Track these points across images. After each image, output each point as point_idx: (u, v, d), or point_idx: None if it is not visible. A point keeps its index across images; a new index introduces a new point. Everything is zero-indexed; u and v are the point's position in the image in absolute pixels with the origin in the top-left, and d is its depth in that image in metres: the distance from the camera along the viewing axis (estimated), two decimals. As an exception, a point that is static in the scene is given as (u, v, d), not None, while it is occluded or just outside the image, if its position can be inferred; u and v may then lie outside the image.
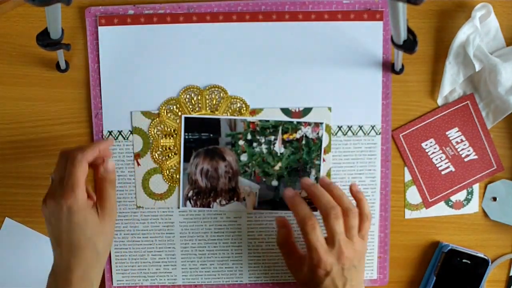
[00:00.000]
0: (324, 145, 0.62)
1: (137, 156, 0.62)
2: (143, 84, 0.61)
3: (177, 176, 0.62)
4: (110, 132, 0.62)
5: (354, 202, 0.57)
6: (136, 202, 0.63)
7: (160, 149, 0.62)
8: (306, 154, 0.62)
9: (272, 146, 0.62)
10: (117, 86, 0.61)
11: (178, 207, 0.63)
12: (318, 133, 0.61)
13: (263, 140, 0.62)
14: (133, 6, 0.60)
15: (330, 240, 0.54)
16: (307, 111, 0.61)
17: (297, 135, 0.62)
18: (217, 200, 0.62)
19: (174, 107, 0.61)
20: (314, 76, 0.61)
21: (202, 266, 0.64)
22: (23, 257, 0.64)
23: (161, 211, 0.63)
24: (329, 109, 0.61)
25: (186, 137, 0.61)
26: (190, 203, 0.62)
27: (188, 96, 0.61)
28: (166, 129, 0.61)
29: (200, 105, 0.60)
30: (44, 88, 0.62)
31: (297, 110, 0.61)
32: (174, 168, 0.62)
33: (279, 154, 0.62)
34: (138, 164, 0.62)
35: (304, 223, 0.55)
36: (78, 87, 0.62)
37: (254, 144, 0.62)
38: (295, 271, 0.58)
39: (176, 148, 0.62)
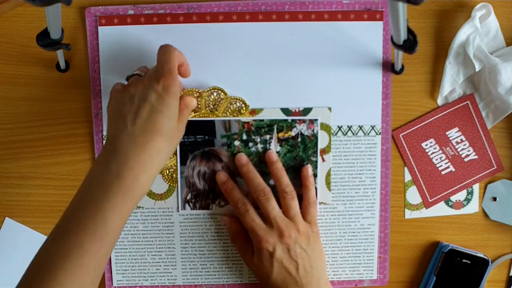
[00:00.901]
0: (324, 145, 0.62)
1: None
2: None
3: (176, 176, 0.62)
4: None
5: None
6: (136, 202, 0.63)
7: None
8: (302, 151, 0.62)
9: (268, 145, 0.62)
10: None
11: (178, 211, 0.63)
12: (313, 130, 0.61)
13: (258, 140, 0.62)
14: (133, 6, 0.60)
15: (268, 221, 0.56)
16: (307, 111, 0.61)
17: (292, 133, 0.62)
18: (216, 202, 0.62)
19: None
20: (314, 76, 0.61)
21: (202, 266, 0.64)
22: (23, 257, 0.64)
23: (161, 211, 0.63)
24: (329, 109, 0.61)
25: (182, 140, 0.61)
26: (189, 206, 0.62)
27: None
28: None
29: (199, 106, 0.60)
30: (44, 88, 0.62)
31: (297, 110, 0.61)
32: (173, 168, 0.62)
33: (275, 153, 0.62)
34: None
35: (237, 208, 0.55)
36: (78, 87, 0.62)
37: (250, 144, 0.62)
38: (252, 266, 0.58)
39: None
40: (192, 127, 0.61)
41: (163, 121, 0.49)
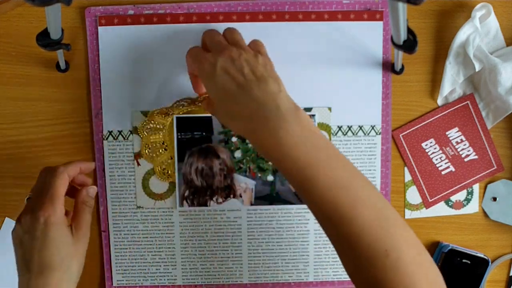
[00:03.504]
0: (324, 145, 0.62)
1: (137, 156, 0.62)
2: (143, 84, 0.61)
3: (169, 171, 0.62)
4: (110, 132, 0.62)
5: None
6: (136, 202, 0.63)
7: (150, 146, 0.61)
8: None
9: None
10: (117, 86, 0.61)
11: (176, 207, 0.63)
12: None
13: None
14: (133, 6, 0.60)
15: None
16: (307, 111, 0.61)
17: None
18: (214, 198, 0.62)
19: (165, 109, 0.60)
20: (314, 76, 0.61)
21: (202, 266, 0.64)
22: (23, 257, 0.63)
23: (161, 211, 0.63)
24: (329, 109, 0.61)
25: (179, 137, 0.61)
26: (187, 202, 0.62)
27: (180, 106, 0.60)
28: (155, 125, 0.61)
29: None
30: (44, 88, 0.62)
31: (297, 110, 0.61)
32: (165, 163, 0.62)
33: None
34: (138, 164, 0.62)
35: (190, 55, 0.55)
36: (78, 87, 0.62)
37: (247, 140, 0.62)
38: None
39: (165, 144, 0.62)
40: (190, 124, 0.61)
41: (53, 255, 0.50)
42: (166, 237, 0.63)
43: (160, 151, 0.62)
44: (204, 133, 0.62)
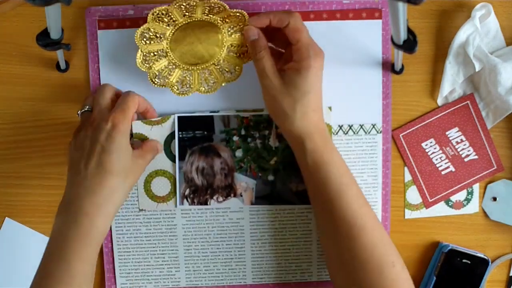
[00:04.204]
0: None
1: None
2: (143, 86, 0.61)
3: (167, 76, 0.58)
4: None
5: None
6: (139, 205, 0.63)
7: (146, 54, 0.57)
8: None
9: (266, 141, 0.62)
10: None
11: (176, 206, 0.62)
12: None
13: (257, 135, 0.62)
14: (133, 6, 0.60)
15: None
16: (307, 111, 0.61)
17: None
18: (214, 197, 0.62)
19: (164, 13, 0.56)
20: (314, 76, 0.61)
21: (205, 268, 0.64)
22: (23, 257, 0.63)
23: (164, 214, 0.63)
24: (330, 108, 0.61)
25: (180, 136, 0.61)
26: (187, 201, 0.62)
27: (182, 5, 0.55)
28: (153, 33, 0.56)
29: (194, 12, 0.56)
30: (44, 88, 0.62)
31: (297, 110, 0.61)
32: (162, 69, 0.58)
33: (274, 149, 0.62)
34: None
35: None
36: (78, 87, 0.62)
37: (249, 139, 0.62)
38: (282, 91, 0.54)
39: (163, 52, 0.57)
40: (191, 123, 0.61)
41: (113, 161, 0.51)
42: (169, 240, 0.63)
43: (158, 59, 0.57)
44: (205, 132, 0.62)
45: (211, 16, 0.56)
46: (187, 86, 0.58)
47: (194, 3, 0.55)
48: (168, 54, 0.57)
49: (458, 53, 0.60)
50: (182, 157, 0.62)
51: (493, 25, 0.61)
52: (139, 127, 0.61)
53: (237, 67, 0.58)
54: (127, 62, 0.60)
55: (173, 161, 0.62)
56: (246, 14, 0.55)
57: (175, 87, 0.58)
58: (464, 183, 0.64)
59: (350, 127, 0.62)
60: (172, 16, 0.56)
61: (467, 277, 0.63)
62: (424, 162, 0.63)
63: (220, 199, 0.62)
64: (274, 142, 0.62)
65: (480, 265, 0.63)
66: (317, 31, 0.60)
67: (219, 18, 0.56)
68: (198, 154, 0.62)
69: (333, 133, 0.62)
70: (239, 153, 0.62)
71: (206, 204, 0.62)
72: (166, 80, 0.58)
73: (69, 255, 0.49)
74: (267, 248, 0.64)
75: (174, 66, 0.58)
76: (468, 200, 0.64)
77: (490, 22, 0.61)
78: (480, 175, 0.64)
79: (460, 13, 0.61)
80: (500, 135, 0.63)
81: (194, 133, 0.61)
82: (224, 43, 0.57)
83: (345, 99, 0.62)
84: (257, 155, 0.62)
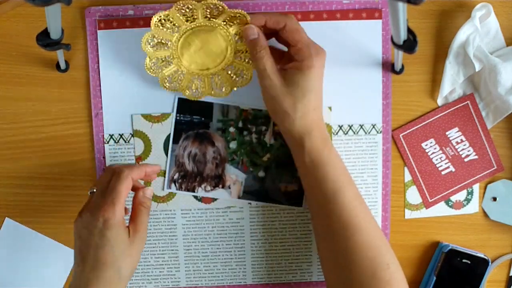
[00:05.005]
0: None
1: (139, 159, 0.62)
2: (143, 86, 0.61)
3: (178, 80, 0.58)
4: (111, 136, 0.62)
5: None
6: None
7: (154, 60, 0.58)
8: None
9: (262, 136, 0.62)
10: (117, 89, 0.61)
11: (163, 189, 0.62)
12: None
13: (254, 129, 0.62)
14: (133, 6, 0.60)
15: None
16: (307, 111, 0.61)
17: None
18: (202, 186, 0.62)
19: (166, 19, 0.56)
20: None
21: (205, 268, 0.64)
22: (23, 257, 0.64)
23: (164, 214, 0.63)
24: (330, 108, 0.61)
25: (178, 118, 0.61)
26: (175, 185, 0.62)
27: (182, 9, 0.56)
28: (158, 39, 0.57)
29: (195, 15, 0.56)
30: (44, 88, 0.62)
31: (297, 110, 0.61)
32: (173, 74, 0.59)
33: (268, 145, 0.62)
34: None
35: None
36: (78, 87, 0.62)
37: (245, 133, 0.62)
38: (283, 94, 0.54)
39: (172, 58, 0.58)
40: (190, 107, 0.61)
41: (107, 254, 0.52)
42: (169, 240, 0.63)
43: (166, 66, 0.58)
44: (203, 118, 0.61)
45: (213, 20, 0.56)
46: (198, 90, 0.59)
47: (193, 6, 0.55)
48: (177, 60, 0.57)
49: (458, 53, 0.60)
50: (176, 140, 0.62)
51: (493, 25, 0.61)
52: (139, 123, 0.61)
53: (246, 72, 0.58)
54: (127, 62, 0.61)
55: (173, 161, 0.62)
56: (246, 14, 0.55)
57: (187, 91, 0.59)
58: (464, 183, 0.64)
59: (350, 127, 0.62)
60: (174, 22, 0.56)
61: (467, 277, 0.63)
62: (424, 162, 0.63)
63: (208, 188, 0.62)
64: (270, 139, 0.62)
65: (480, 265, 0.63)
66: (317, 31, 0.60)
67: (222, 22, 0.56)
68: (193, 139, 0.62)
69: (333, 133, 0.62)
70: (233, 145, 0.62)
71: (193, 191, 0.62)
72: (177, 85, 0.59)
73: None
74: (267, 248, 0.64)
75: (183, 72, 0.58)
76: (468, 200, 0.64)
77: (490, 22, 0.61)
78: (480, 175, 0.64)
79: (460, 13, 0.61)
80: (500, 135, 0.63)
81: (192, 118, 0.61)
82: (231, 48, 0.57)
83: (345, 99, 0.62)
84: (251, 150, 0.62)
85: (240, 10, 0.55)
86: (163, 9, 0.60)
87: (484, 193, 0.64)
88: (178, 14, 0.56)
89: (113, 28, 0.60)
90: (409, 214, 0.64)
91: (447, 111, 0.63)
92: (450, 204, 0.64)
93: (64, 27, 0.54)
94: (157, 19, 0.56)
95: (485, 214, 0.64)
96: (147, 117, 0.61)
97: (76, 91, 0.62)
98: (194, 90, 0.59)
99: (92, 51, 0.61)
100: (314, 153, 0.54)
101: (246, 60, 0.58)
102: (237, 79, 0.59)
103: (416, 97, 0.63)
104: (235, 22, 0.56)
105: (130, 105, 0.61)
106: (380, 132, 0.62)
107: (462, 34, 0.59)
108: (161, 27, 0.56)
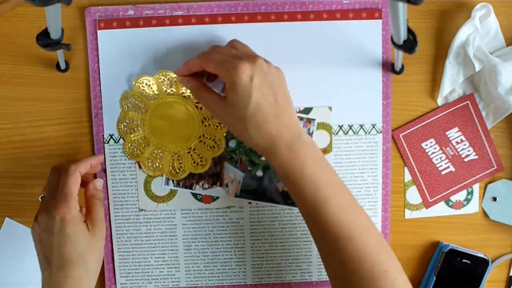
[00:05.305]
0: (325, 145, 0.62)
1: (138, 157, 0.62)
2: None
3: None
4: (111, 136, 0.62)
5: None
6: (139, 205, 0.63)
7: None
8: None
9: None
10: (117, 89, 0.61)
11: (161, 186, 0.62)
12: (309, 129, 0.61)
13: None
14: (133, 6, 0.60)
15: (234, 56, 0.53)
16: (307, 110, 0.61)
17: None
18: (200, 183, 0.62)
19: (133, 99, 0.60)
20: (314, 75, 0.61)
21: (205, 268, 0.64)
22: (23, 257, 0.63)
23: (164, 214, 0.63)
24: (330, 108, 0.61)
25: None
26: (173, 182, 0.62)
27: (140, 86, 0.60)
28: (129, 122, 0.61)
29: (156, 92, 0.60)
30: (44, 88, 0.62)
31: (297, 110, 0.61)
32: (136, 143, 0.61)
33: None
34: (140, 167, 0.62)
35: (204, 55, 0.54)
36: (78, 87, 0.62)
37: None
38: (224, 110, 0.53)
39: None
40: None
41: (71, 251, 0.52)
42: (169, 239, 0.63)
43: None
44: None
45: (173, 90, 0.59)
46: (180, 169, 0.61)
47: (151, 81, 0.59)
48: (151, 142, 0.60)
49: (458, 53, 0.60)
50: None
51: (493, 25, 0.61)
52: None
53: (219, 139, 0.60)
54: (127, 62, 0.61)
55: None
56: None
57: (169, 172, 0.62)
58: (464, 183, 0.64)
59: (350, 127, 0.62)
60: (138, 100, 0.60)
61: (467, 277, 0.63)
62: (424, 162, 0.63)
63: (206, 185, 0.62)
64: None
65: (480, 265, 0.63)
66: (317, 31, 0.60)
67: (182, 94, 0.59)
68: None
69: (333, 133, 0.62)
70: (232, 143, 0.62)
71: (191, 188, 0.62)
72: (159, 167, 0.61)
73: None
74: (267, 248, 0.64)
75: (160, 152, 0.61)
76: (468, 200, 0.64)
77: (490, 22, 0.61)
78: (480, 175, 0.64)
79: (460, 13, 0.61)
80: (500, 135, 0.63)
81: None
82: (197, 118, 0.60)
83: (345, 99, 0.62)
84: (249, 149, 0.62)
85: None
86: (163, 9, 0.60)
87: (484, 193, 0.64)
88: (141, 89, 0.59)
89: (113, 28, 0.60)
90: (409, 214, 0.64)
91: (447, 111, 0.63)
92: (450, 204, 0.64)
93: (64, 27, 0.54)
94: (124, 99, 0.60)
95: (485, 214, 0.64)
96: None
97: (76, 91, 0.62)
98: (176, 170, 0.61)
99: (92, 51, 0.61)
100: (282, 170, 0.51)
101: (215, 127, 0.60)
102: (213, 148, 0.61)
103: (416, 97, 0.63)
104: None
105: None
106: (380, 132, 0.62)
107: (462, 34, 0.59)
108: (132, 109, 0.60)
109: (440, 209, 0.64)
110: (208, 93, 0.55)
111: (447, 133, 0.63)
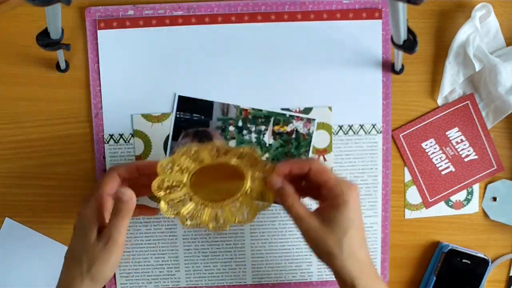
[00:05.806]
0: (325, 145, 0.62)
1: (139, 159, 0.62)
2: (143, 86, 0.61)
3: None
4: (111, 136, 0.62)
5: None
6: (139, 205, 0.63)
7: (169, 201, 0.54)
8: (294, 148, 0.62)
9: (261, 136, 0.62)
10: (117, 89, 0.61)
11: None
12: (309, 129, 0.61)
13: (253, 129, 0.62)
14: (133, 6, 0.60)
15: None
16: (307, 111, 0.61)
17: (288, 128, 0.62)
18: None
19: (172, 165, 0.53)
20: (314, 76, 0.61)
21: (205, 268, 0.64)
22: (23, 257, 0.64)
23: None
24: (330, 108, 0.61)
25: (178, 116, 0.61)
26: None
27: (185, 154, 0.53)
28: (169, 183, 0.54)
29: (200, 158, 0.53)
30: (44, 88, 0.62)
31: (297, 110, 0.61)
32: (191, 211, 0.55)
33: (267, 145, 0.62)
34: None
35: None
36: (78, 87, 0.62)
37: (244, 132, 0.62)
38: (318, 232, 0.51)
39: (188, 196, 0.54)
40: (191, 105, 0.61)
41: (74, 244, 0.52)
42: (169, 240, 0.63)
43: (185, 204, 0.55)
44: (203, 117, 0.61)
45: (221, 158, 0.53)
46: (221, 221, 0.55)
47: (195, 151, 0.52)
48: (193, 198, 0.54)
49: (458, 53, 0.60)
50: (175, 138, 0.62)
51: (493, 25, 0.61)
52: (139, 123, 0.61)
53: (265, 193, 0.55)
54: (127, 62, 0.61)
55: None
56: (254, 150, 0.52)
57: (210, 224, 0.55)
58: (464, 183, 0.64)
59: (350, 127, 0.62)
60: (180, 165, 0.53)
61: (467, 277, 0.63)
62: (424, 162, 0.63)
63: None
64: (269, 139, 0.62)
65: (480, 265, 0.63)
66: (317, 31, 0.60)
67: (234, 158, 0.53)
68: (192, 137, 0.61)
69: (333, 133, 0.62)
70: (232, 144, 0.62)
71: None
72: (199, 220, 0.55)
73: None
74: (267, 248, 0.64)
75: (202, 206, 0.55)
76: (468, 200, 0.64)
77: (490, 22, 0.61)
78: (480, 175, 0.64)
79: (460, 13, 0.61)
80: (500, 135, 0.63)
81: (192, 116, 0.61)
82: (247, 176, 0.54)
83: (345, 99, 0.62)
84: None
85: (246, 148, 0.52)
86: (163, 9, 0.60)
87: (484, 193, 0.64)
88: (183, 158, 0.53)
89: (113, 28, 0.60)
90: (409, 214, 0.64)
91: (447, 111, 0.63)
92: (450, 204, 0.64)
93: (64, 27, 0.54)
94: (162, 165, 0.52)
95: (485, 214, 0.64)
96: (147, 117, 0.61)
97: (76, 91, 0.62)
98: (216, 223, 0.55)
99: (92, 51, 0.61)
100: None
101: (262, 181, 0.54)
102: (259, 203, 0.55)
103: (416, 97, 0.63)
104: (244, 157, 0.53)
105: (130, 105, 0.61)
106: (380, 132, 0.62)
107: (462, 34, 0.59)
108: (169, 171, 0.53)
109: (440, 209, 0.64)
110: (299, 203, 0.52)
111: (447, 133, 0.63)
